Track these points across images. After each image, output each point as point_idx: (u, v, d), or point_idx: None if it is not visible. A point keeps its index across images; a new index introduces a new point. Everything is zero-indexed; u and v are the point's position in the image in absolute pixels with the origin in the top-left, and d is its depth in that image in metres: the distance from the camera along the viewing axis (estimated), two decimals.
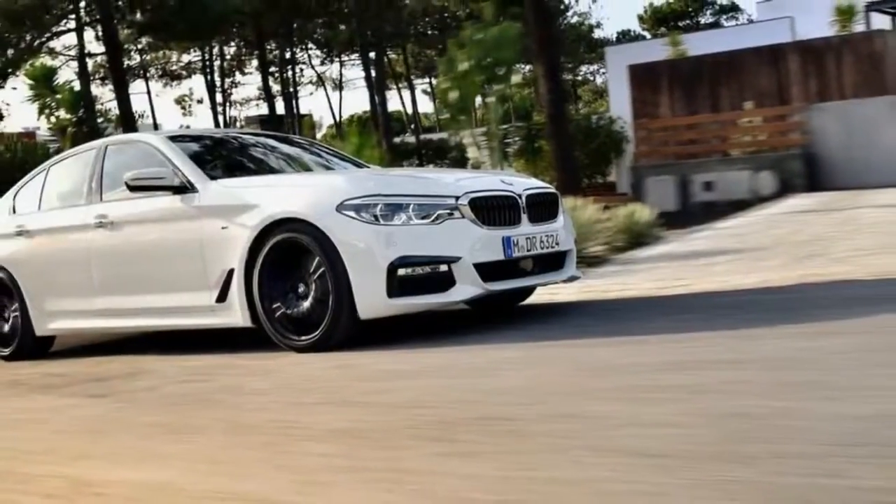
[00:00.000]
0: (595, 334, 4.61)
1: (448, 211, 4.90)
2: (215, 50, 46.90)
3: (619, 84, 24.56)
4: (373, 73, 33.66)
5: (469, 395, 3.48)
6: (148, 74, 50.04)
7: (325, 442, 2.98)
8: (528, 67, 38.10)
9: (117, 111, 29.00)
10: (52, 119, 24.99)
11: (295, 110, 43.76)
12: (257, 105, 53.44)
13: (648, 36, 52.64)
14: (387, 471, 2.54)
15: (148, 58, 48.00)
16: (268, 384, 4.34)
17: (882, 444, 2.25)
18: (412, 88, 53.29)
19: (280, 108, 41.67)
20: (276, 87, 41.63)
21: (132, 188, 5.62)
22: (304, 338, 4.93)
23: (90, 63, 32.53)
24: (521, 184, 5.42)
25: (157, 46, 42.83)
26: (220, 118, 48.61)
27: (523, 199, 5.23)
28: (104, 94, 43.33)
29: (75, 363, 6.06)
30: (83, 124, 24.43)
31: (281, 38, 40.98)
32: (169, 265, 5.53)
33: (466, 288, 4.85)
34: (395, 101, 52.92)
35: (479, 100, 13.28)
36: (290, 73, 45.31)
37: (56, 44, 30.49)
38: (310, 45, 49.02)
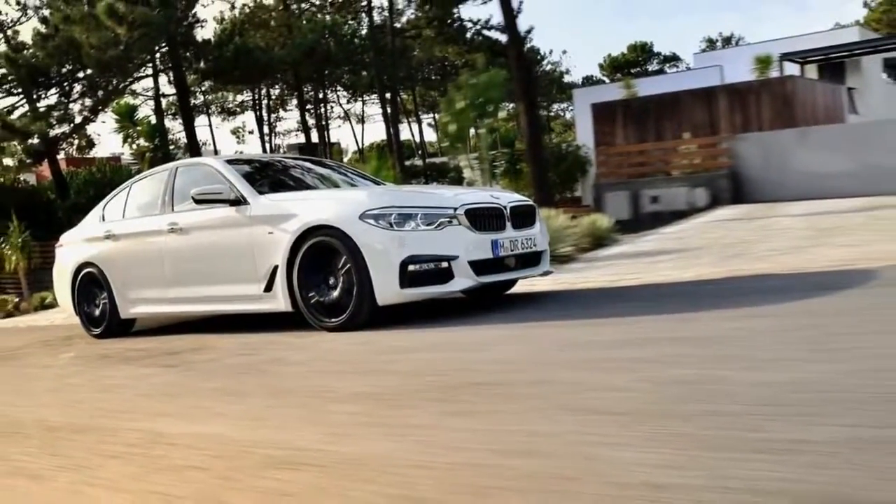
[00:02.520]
0: (565, 317, 4.60)
1: (448, 219, 4.90)
2: (263, 91, 46.90)
3: (584, 118, 24.57)
4: (388, 110, 33.61)
5: (466, 365, 3.47)
6: (210, 110, 50.03)
7: (349, 403, 2.97)
8: (511, 105, 38.05)
9: (185, 140, 29.02)
10: (134, 146, 25.02)
11: (326, 139, 43.74)
12: (296, 135, 53.36)
13: (607, 80, 52.66)
14: (398, 426, 2.54)
15: (210, 97, 47.98)
16: (304, 357, 4.34)
17: (791, 405, 2.25)
18: (419, 122, 53.24)
19: (314, 137, 41.63)
20: (311, 121, 41.60)
21: (197, 201, 5.64)
22: (333, 320, 4.94)
23: (164, 101, 32.49)
24: (506, 198, 5.41)
25: (217, 89, 42.84)
26: (267, 145, 48.59)
27: (508, 209, 5.23)
28: (175, 127, 43.43)
29: (152, 340, 6.05)
30: (158, 150, 24.48)
31: (315, 82, 40.95)
32: (226, 262, 5.53)
33: (462, 280, 4.86)
34: (406, 132, 52.81)
35: (472, 131, 13.28)
36: (322, 109, 45.31)
37: (137, 86, 30.54)
38: (338, 88, 48.99)
